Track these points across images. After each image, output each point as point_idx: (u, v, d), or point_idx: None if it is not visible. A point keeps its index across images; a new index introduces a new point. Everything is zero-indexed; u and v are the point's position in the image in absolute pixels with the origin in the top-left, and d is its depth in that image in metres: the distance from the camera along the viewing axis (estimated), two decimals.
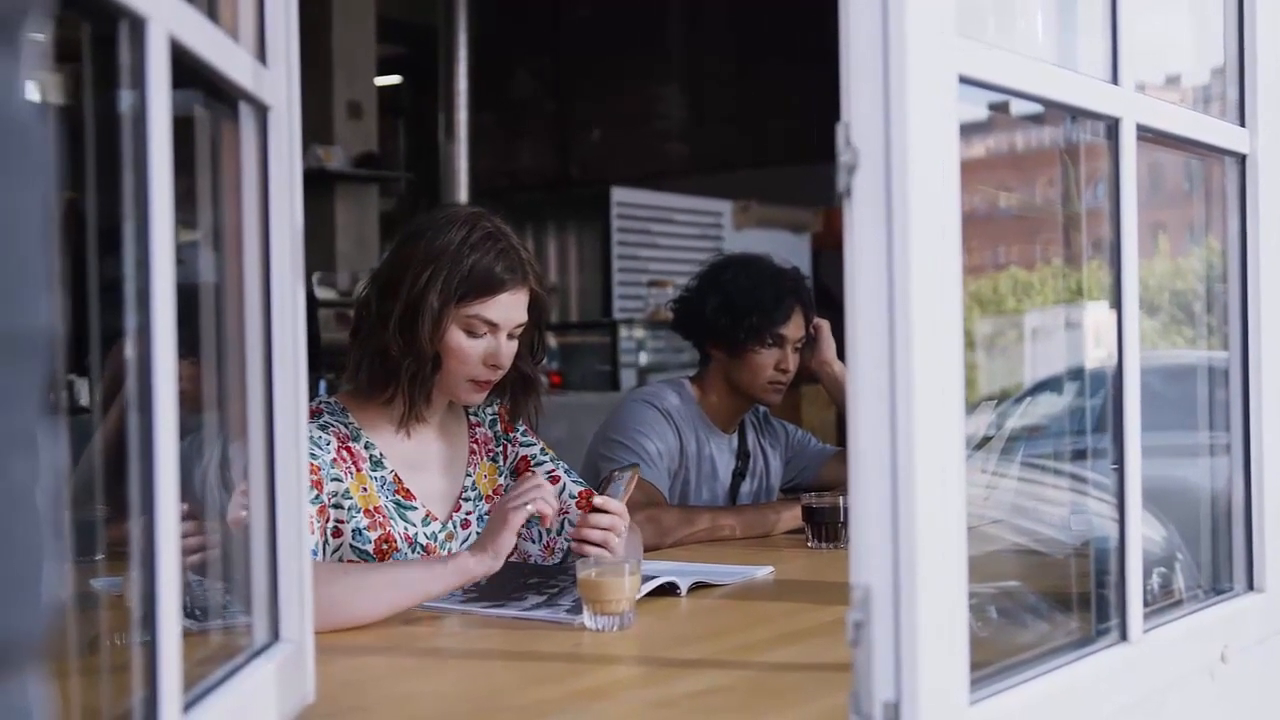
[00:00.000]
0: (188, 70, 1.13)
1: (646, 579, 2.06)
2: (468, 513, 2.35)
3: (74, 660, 1.23)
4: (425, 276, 2.17)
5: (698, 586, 2.20)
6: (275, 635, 1.39)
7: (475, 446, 2.40)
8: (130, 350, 1.03)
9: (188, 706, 1.11)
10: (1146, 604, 1.57)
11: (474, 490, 2.37)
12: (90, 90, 1.07)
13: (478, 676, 1.71)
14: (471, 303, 2.20)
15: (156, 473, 1.03)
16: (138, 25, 1.01)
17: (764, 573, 2.37)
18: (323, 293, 6.93)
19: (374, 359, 2.22)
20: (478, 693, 1.63)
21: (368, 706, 1.58)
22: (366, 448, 2.24)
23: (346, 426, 2.23)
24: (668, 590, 2.13)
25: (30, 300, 0.57)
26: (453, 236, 2.19)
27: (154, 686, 1.03)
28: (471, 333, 2.21)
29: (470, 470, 2.37)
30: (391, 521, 2.21)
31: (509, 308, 2.23)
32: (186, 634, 1.09)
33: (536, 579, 2.14)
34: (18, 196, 0.56)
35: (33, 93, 0.59)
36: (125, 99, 1.04)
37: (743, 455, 3.19)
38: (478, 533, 2.31)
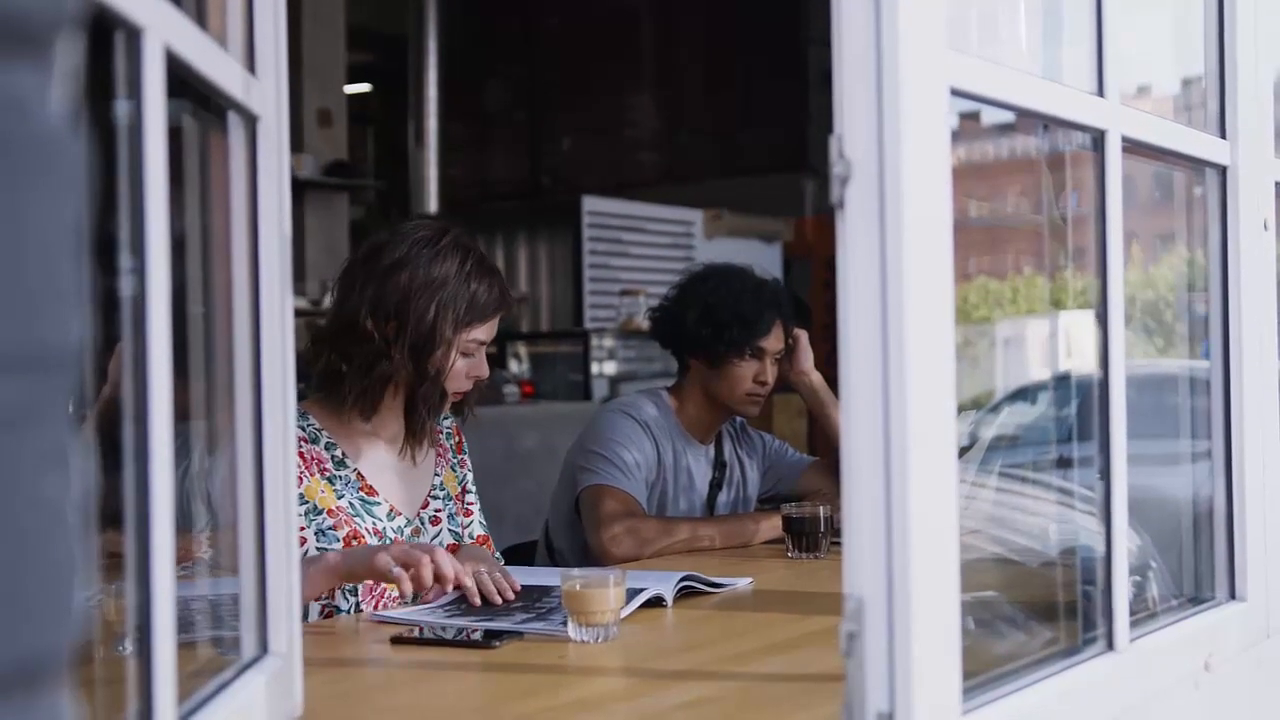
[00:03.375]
0: (179, 79, 1.13)
1: (632, 592, 2.05)
2: (437, 510, 2.43)
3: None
4: (433, 309, 2.26)
5: (685, 592, 2.21)
6: (264, 649, 1.38)
7: (441, 450, 2.49)
8: (125, 359, 1.02)
9: None
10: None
11: (442, 490, 2.45)
12: (83, 99, 1.06)
13: (465, 690, 1.70)
14: (473, 328, 2.32)
15: (151, 485, 1.02)
16: (134, 35, 1.01)
17: (744, 583, 2.37)
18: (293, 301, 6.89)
19: (380, 385, 2.29)
20: (465, 706, 1.62)
21: (355, 719, 1.57)
22: (327, 449, 2.30)
23: (304, 429, 2.26)
24: (652, 602, 2.13)
25: (62, 315, 0.57)
26: (449, 266, 2.29)
27: (149, 699, 1.02)
28: (466, 354, 2.33)
29: (438, 471, 2.46)
30: (357, 518, 2.27)
31: (495, 326, 2.37)
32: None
33: (521, 601, 2.13)
34: (50, 210, 0.55)
35: (64, 107, 0.59)
36: (120, 108, 1.03)
37: (720, 466, 3.19)
38: (449, 529, 2.43)
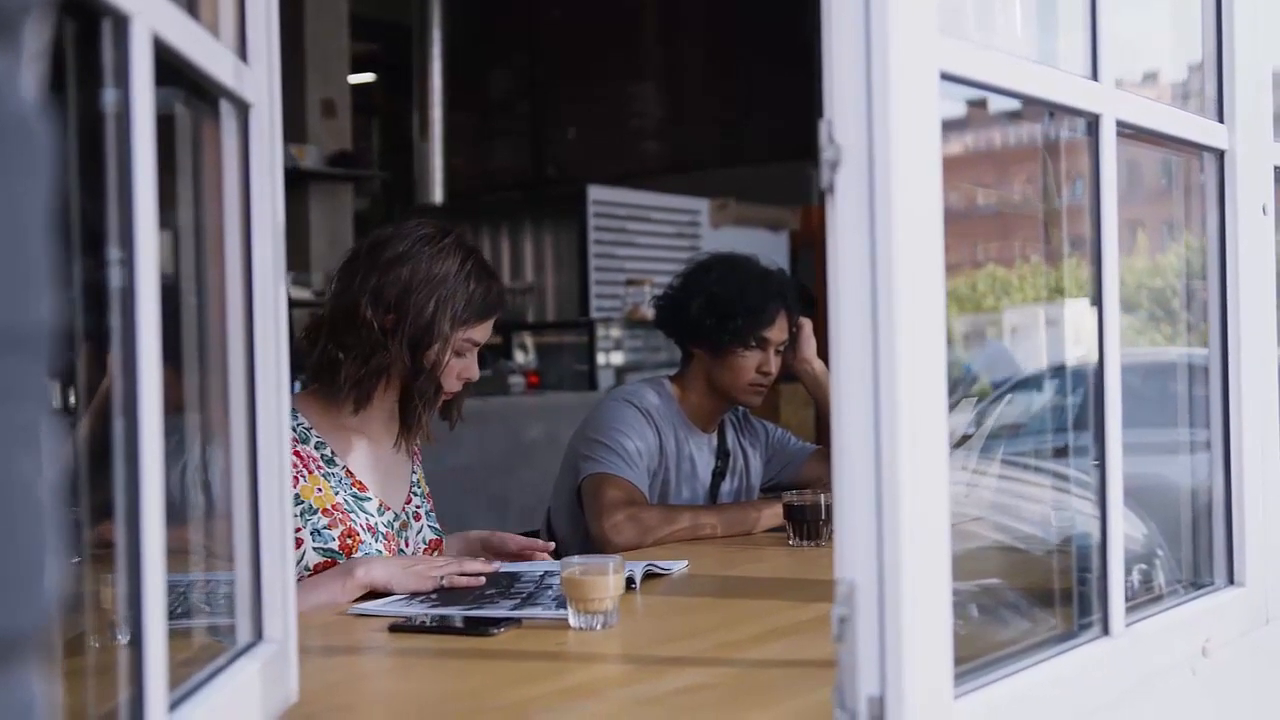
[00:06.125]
0: (169, 68, 1.13)
1: None
2: (417, 506, 2.48)
3: (55, 661, 1.22)
4: (432, 304, 2.29)
5: (648, 576, 2.27)
6: (259, 635, 1.39)
7: (416, 450, 2.53)
8: (113, 352, 1.03)
9: (173, 706, 1.10)
10: (1127, 599, 1.58)
11: (419, 488, 2.50)
12: (71, 87, 1.06)
13: (462, 676, 1.70)
14: (469, 328, 2.34)
15: (141, 474, 1.02)
16: (121, 23, 1.01)
17: (679, 566, 2.41)
18: (296, 293, 6.91)
19: (374, 376, 2.31)
20: (462, 692, 1.62)
21: (351, 706, 1.57)
22: (317, 447, 2.33)
23: (294, 429, 2.27)
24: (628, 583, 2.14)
25: (34, 295, 0.57)
26: (450, 265, 2.32)
27: (140, 686, 1.02)
28: (458, 353, 2.35)
29: (415, 469, 2.51)
30: (352, 515, 2.30)
31: (490, 328, 2.40)
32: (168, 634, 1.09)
33: (493, 590, 2.14)
34: (20, 192, 0.56)
35: (33, 90, 0.59)
36: (108, 96, 1.04)
37: (723, 454, 3.19)
38: (429, 525, 2.48)
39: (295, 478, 2.23)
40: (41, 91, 0.60)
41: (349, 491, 2.32)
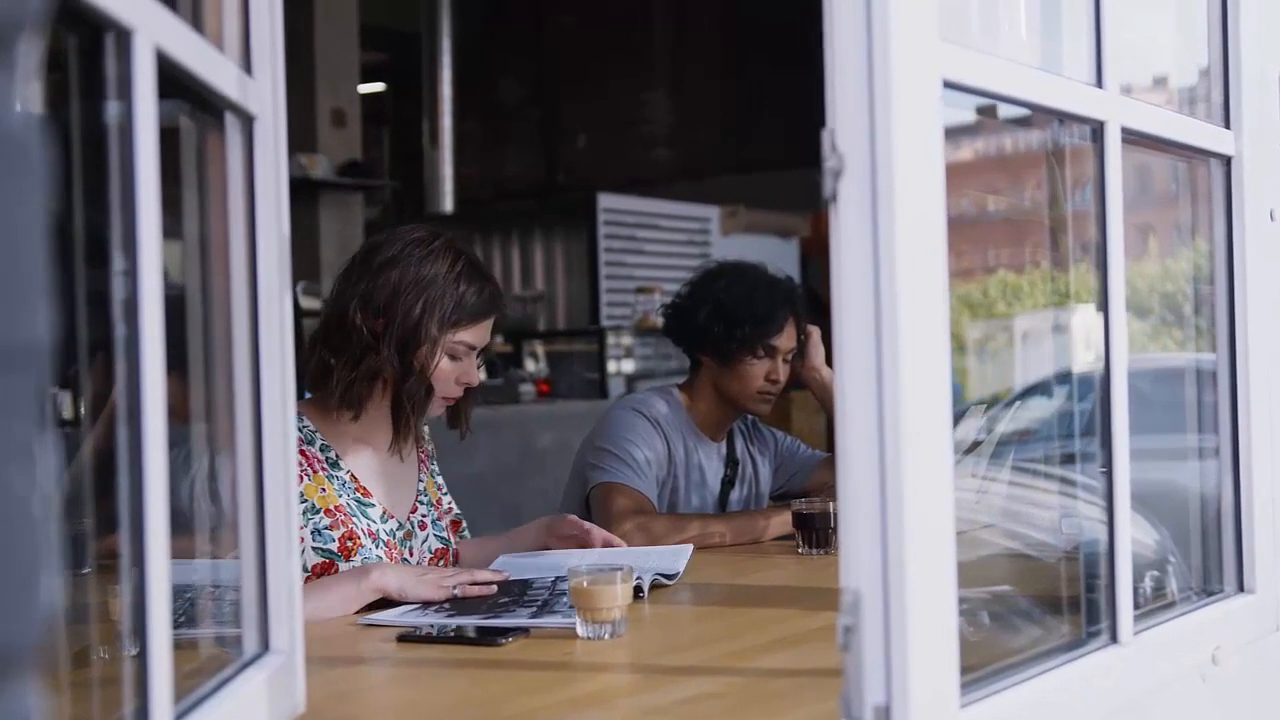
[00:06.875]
0: (173, 80, 1.13)
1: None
2: (423, 515, 2.47)
3: (63, 672, 1.23)
4: (420, 306, 2.29)
5: (656, 586, 2.26)
6: (265, 646, 1.39)
7: (423, 457, 2.53)
8: (118, 362, 1.03)
9: (178, 717, 1.10)
10: (1138, 607, 1.57)
11: (425, 496, 2.49)
12: (75, 100, 1.06)
13: (470, 686, 1.70)
14: (460, 330, 2.33)
15: (146, 485, 1.02)
16: (124, 36, 1.01)
17: (685, 552, 2.45)
18: (307, 302, 6.90)
19: (366, 381, 2.31)
20: (470, 702, 1.62)
21: (357, 717, 1.57)
22: (322, 450, 2.34)
23: (300, 431, 2.28)
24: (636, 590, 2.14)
25: (29, 312, 0.57)
26: (439, 267, 2.32)
27: (145, 697, 1.02)
28: (453, 356, 2.35)
29: (422, 477, 2.50)
30: (354, 518, 2.31)
31: (487, 331, 2.39)
32: (175, 644, 1.09)
33: (506, 598, 2.14)
34: (16, 208, 0.56)
35: (29, 105, 0.60)
36: (111, 109, 1.04)
37: (732, 463, 3.19)
38: (435, 534, 2.47)
39: (299, 476, 2.24)
40: (37, 106, 0.61)
41: (352, 495, 2.32)
